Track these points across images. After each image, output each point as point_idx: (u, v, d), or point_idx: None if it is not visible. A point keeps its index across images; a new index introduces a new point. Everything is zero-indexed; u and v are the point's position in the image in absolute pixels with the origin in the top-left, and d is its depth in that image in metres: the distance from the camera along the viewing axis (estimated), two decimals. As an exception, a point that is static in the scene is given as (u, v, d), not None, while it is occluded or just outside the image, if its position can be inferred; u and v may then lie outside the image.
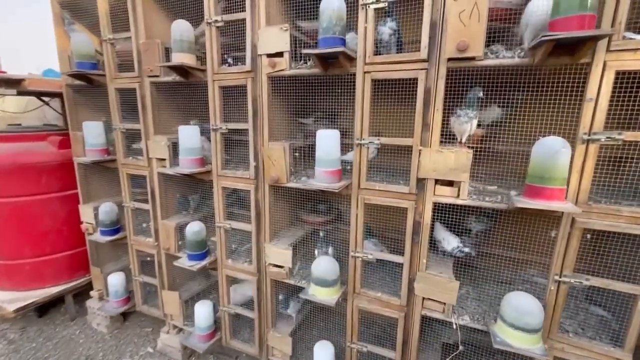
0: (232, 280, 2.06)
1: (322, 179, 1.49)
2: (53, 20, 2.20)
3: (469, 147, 1.42)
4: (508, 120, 1.54)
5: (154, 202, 2.16)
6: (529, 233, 1.51)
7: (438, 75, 1.30)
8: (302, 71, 1.54)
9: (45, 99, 3.07)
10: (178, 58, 1.69)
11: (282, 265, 1.80)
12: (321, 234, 1.97)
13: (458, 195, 1.38)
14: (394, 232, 1.84)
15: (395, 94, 1.50)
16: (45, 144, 2.55)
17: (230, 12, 1.65)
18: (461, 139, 1.43)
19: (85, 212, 2.47)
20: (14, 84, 2.19)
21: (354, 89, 1.49)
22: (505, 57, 1.21)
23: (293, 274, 1.83)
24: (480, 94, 1.31)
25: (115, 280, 2.38)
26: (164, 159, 2.03)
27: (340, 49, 1.29)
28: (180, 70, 1.78)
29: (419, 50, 1.32)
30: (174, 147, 2.02)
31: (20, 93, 2.30)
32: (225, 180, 1.87)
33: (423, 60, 1.32)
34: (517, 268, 1.69)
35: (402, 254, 1.57)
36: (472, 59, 1.23)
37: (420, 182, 1.42)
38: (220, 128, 1.80)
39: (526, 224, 1.54)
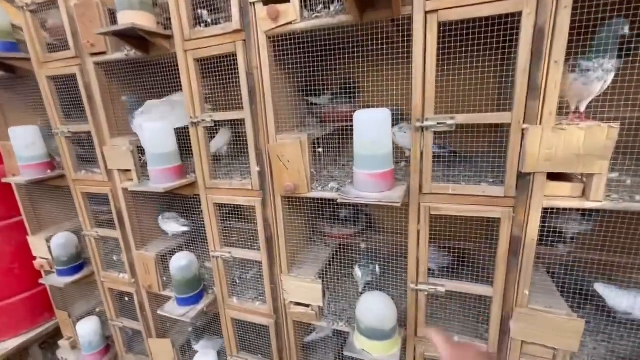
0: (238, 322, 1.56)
1: (367, 185, 0.97)
2: (-54, -14, 1.56)
3: (587, 118, 0.93)
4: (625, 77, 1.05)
5: (123, 227, 1.61)
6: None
7: (559, 2, 0.78)
8: (324, 21, 0.99)
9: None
10: (127, 18, 1.11)
11: (310, 303, 1.30)
12: (363, 245, 1.48)
13: (584, 194, 0.90)
14: (458, 239, 1.37)
15: (469, 47, 0.98)
16: (-30, 160, 1.93)
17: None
18: (578, 107, 0.94)
19: (37, 245, 1.90)
20: None
21: (401, 44, 0.97)
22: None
23: (324, 313, 1.34)
24: (626, 30, 0.80)
25: (86, 328, 1.85)
26: (129, 170, 1.47)
27: (399, -35, 0.75)
28: (135, 39, 1.20)
29: (521, -35, 0.80)
30: (141, 152, 1.46)
31: None
32: (218, 194, 1.33)
33: (533, -21, 0.79)
34: (621, 275, 1.25)
35: (481, 276, 1.11)
36: (627, -34, 0.72)
37: (523, 178, 0.93)
38: (203, 121, 1.24)
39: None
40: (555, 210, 1.03)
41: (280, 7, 1.01)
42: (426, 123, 0.96)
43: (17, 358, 2.26)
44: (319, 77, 1.36)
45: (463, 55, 1.10)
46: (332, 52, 1.14)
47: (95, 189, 1.60)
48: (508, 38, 0.88)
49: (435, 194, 1.02)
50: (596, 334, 1.12)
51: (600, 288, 1.09)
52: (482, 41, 0.93)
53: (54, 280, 1.73)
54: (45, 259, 1.91)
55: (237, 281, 1.54)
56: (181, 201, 1.73)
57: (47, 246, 1.87)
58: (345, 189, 1.04)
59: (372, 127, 0.93)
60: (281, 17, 1.02)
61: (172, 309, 1.41)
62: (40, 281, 1.80)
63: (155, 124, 1.23)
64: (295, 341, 1.42)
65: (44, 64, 1.48)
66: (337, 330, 1.57)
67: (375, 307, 1.08)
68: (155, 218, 1.70)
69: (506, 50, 0.93)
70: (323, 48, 1.11)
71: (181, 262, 1.38)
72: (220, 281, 1.46)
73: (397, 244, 1.52)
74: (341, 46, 1.24)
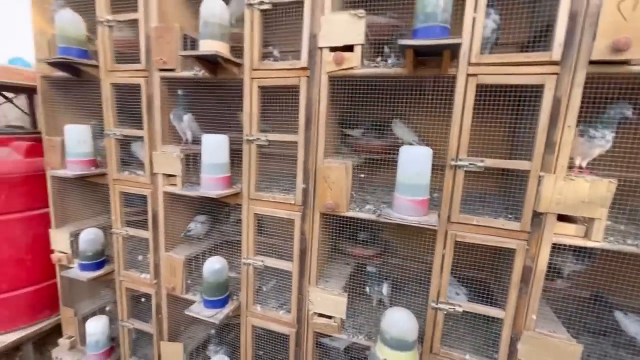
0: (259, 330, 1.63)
1: (408, 209, 1.14)
2: (30, -6, 1.72)
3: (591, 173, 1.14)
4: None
5: (156, 229, 1.70)
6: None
7: (574, 82, 1.01)
8: (381, 71, 1.20)
9: (8, 95, 2.50)
10: (209, 46, 1.29)
11: (333, 315, 1.41)
12: (369, 269, 1.61)
13: (586, 235, 1.08)
14: (473, 269, 1.53)
15: (494, 104, 1.19)
16: (8, 150, 2.01)
17: (282, -7, 1.29)
18: (581, 163, 1.15)
19: (59, 239, 1.94)
20: (-29, 72, 1.67)
21: (441, 95, 1.19)
22: (673, 63, 0.94)
23: (345, 326, 1.45)
24: (629, 113, 1.04)
25: (96, 326, 1.86)
26: (173, 176, 1.59)
27: (457, 40, 0.97)
28: (208, 63, 1.38)
29: (538, 50, 1.04)
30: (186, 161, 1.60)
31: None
32: (261, 206, 1.46)
33: (554, 63, 1.02)
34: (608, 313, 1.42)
35: (490, 300, 1.26)
36: (626, 62, 0.96)
37: (536, 217, 1.11)
38: (258, 139, 1.40)
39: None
40: (557, 249, 1.22)
41: (345, 54, 1.22)
42: (459, 162, 1.15)
43: (4, 356, 2.21)
44: (356, 112, 1.56)
45: (492, 110, 1.33)
46: (373, 92, 1.34)
47: (134, 189, 1.71)
48: (529, 103, 1.09)
49: (462, 224, 1.20)
50: (589, 362, 1.26)
51: (619, 316, 1.26)
52: (509, 101, 1.15)
53: (77, 274, 1.77)
54: (64, 253, 1.95)
55: (264, 289, 1.63)
56: (213, 209, 1.85)
57: (69, 240, 1.92)
58: (385, 211, 1.20)
59: (416, 161, 1.12)
60: (345, 62, 1.22)
61: (200, 310, 1.49)
62: (62, 274, 1.83)
63: (216, 136, 1.39)
64: (313, 352, 1.51)
65: (110, 72, 1.64)
66: (347, 347, 1.68)
67: (400, 320, 1.20)
68: (185, 223, 1.80)
69: (528, 110, 1.15)
70: (369, 89, 1.32)
71: (215, 265, 1.48)
72: (247, 288, 1.55)
73: (410, 268, 1.67)
74: (381, 88, 1.45)
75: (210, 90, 1.63)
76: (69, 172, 1.67)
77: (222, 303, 1.51)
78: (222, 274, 1.50)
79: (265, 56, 1.40)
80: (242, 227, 1.51)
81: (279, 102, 1.44)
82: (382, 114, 1.66)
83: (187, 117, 1.53)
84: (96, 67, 1.65)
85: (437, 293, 1.26)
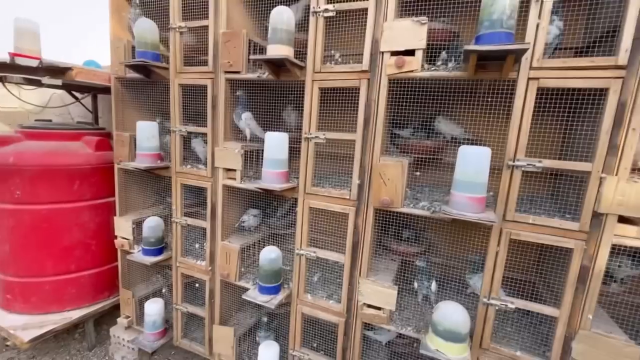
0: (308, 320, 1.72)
1: (466, 206, 1.19)
2: (110, 3, 1.91)
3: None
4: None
5: (214, 220, 1.83)
6: None
7: (639, 86, 1.04)
8: (441, 74, 1.26)
9: (77, 94, 2.75)
10: (278, 50, 1.41)
11: (382, 307, 1.47)
12: (420, 263, 1.66)
13: (648, 237, 1.09)
14: (516, 271, 1.54)
15: (549, 106, 1.23)
16: (80, 144, 2.22)
17: (346, 1, 1.39)
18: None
19: (122, 226, 2.12)
20: (59, 74, 1.87)
21: (497, 97, 1.24)
22: None
23: (393, 318, 1.51)
24: None
25: (154, 308, 2.02)
26: (233, 170, 1.72)
27: (525, 45, 1.02)
28: (274, 66, 1.50)
29: (595, 54, 1.06)
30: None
31: (64, 85, 1.98)
32: (315, 200, 1.56)
33: (619, 67, 1.05)
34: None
35: (532, 298, 1.28)
36: (696, 67, 0.97)
37: (596, 217, 1.13)
38: (316, 137, 1.50)
39: None
40: (615, 252, 1.22)
41: (407, 58, 1.29)
42: (517, 163, 1.19)
43: (65, 332, 2.42)
44: (406, 112, 1.62)
45: (545, 111, 1.35)
46: (426, 93, 1.40)
47: (195, 182, 1.85)
48: (589, 105, 1.12)
49: (517, 222, 1.23)
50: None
51: None
52: (564, 103, 1.18)
53: (141, 258, 1.93)
54: (126, 239, 2.13)
55: (315, 279, 1.72)
56: (262, 203, 1.97)
57: (131, 227, 2.10)
58: (442, 207, 1.25)
59: (476, 160, 1.17)
60: (406, 66, 1.30)
61: (256, 296, 1.59)
62: (128, 257, 2.00)
63: (278, 133, 1.49)
64: (360, 342, 1.58)
65: (179, 74, 1.79)
66: (388, 342, 1.73)
67: (455, 313, 1.25)
68: (236, 216, 1.92)
69: (587, 113, 1.18)
70: (423, 90, 1.38)
71: (271, 254, 1.58)
72: (298, 277, 1.64)
73: (454, 267, 1.71)
74: (436, 90, 1.50)
75: (260, 91, 1.76)
76: (138, 164, 1.84)
77: (276, 290, 1.61)
78: (277, 263, 1.60)
79: (326, 59, 1.49)
80: (297, 220, 1.61)
81: (329, 103, 1.54)
82: (433, 115, 1.72)
83: (245, 115, 1.66)
84: (166, 69, 1.81)
85: (489, 289, 1.30)
